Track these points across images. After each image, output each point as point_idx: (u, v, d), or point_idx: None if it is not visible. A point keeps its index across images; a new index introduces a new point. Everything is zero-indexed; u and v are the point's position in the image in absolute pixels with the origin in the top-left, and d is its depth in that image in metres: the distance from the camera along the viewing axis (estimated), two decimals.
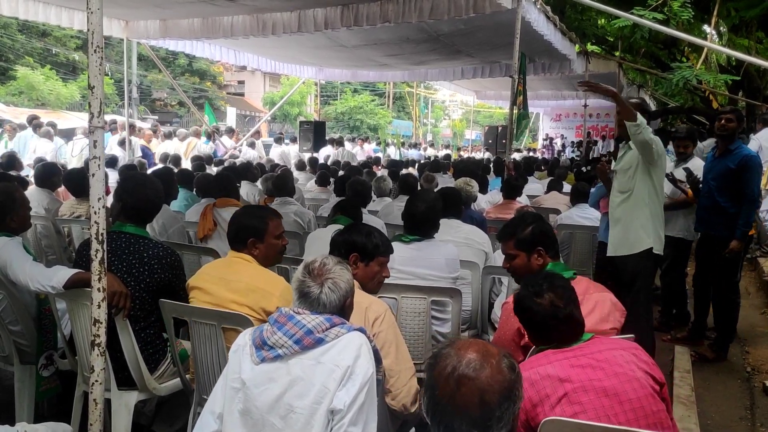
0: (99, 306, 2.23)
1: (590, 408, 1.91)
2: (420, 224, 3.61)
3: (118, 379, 2.95)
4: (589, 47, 14.27)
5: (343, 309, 2.05)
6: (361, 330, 2.01)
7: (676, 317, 5.66)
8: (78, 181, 5.24)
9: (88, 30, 2.05)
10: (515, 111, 7.61)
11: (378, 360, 2.01)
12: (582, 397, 1.93)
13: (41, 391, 3.25)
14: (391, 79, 17.23)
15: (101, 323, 2.24)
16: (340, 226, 3.16)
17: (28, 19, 8.25)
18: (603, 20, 13.64)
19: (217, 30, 9.18)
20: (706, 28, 11.70)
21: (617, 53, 13.67)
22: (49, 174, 5.76)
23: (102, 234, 2.18)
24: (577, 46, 10.81)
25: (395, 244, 3.52)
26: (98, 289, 2.23)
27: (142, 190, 3.10)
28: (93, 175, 2.11)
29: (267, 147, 16.12)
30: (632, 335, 2.53)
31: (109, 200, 3.81)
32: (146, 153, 11.86)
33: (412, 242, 3.56)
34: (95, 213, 2.15)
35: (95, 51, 2.04)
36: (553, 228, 3.00)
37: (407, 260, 3.49)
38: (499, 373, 1.46)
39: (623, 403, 1.93)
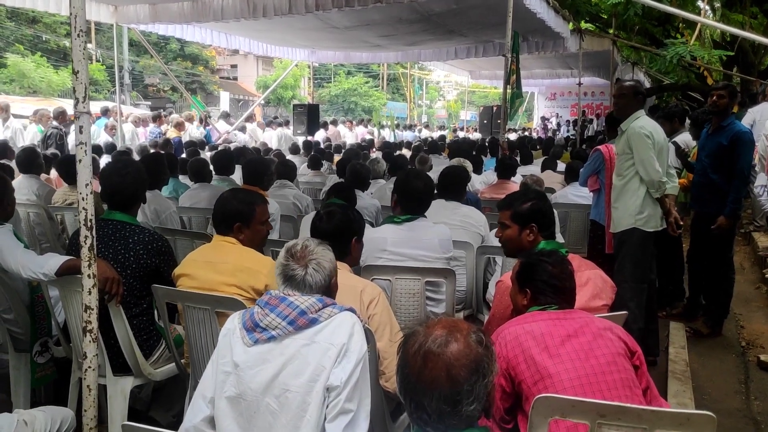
0: (90, 292, 2.22)
1: (567, 359, 2.01)
2: (419, 202, 3.56)
3: (113, 365, 2.96)
4: (583, 25, 14.18)
5: (328, 288, 2.06)
6: (352, 310, 2.02)
7: (672, 293, 5.68)
8: (71, 168, 5.19)
9: (71, 14, 2.01)
10: (509, 90, 7.57)
11: (368, 339, 2.02)
12: (560, 349, 2.03)
13: (37, 378, 3.25)
14: (385, 60, 17.15)
15: (92, 309, 2.23)
16: None
17: (15, 6, 8.16)
18: None
19: (208, 13, 9.09)
20: (699, 3, 11.64)
21: (611, 30, 13.57)
22: (32, 159, 5.72)
23: (90, 220, 2.17)
24: (570, 24, 10.73)
25: (387, 227, 3.56)
26: (89, 276, 2.22)
27: (119, 178, 3.08)
28: (80, 161, 2.09)
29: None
30: (624, 312, 2.55)
31: None
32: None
33: (404, 223, 3.52)
34: (83, 199, 2.13)
35: (78, 35, 2.01)
36: (552, 209, 3.00)
37: (400, 242, 3.47)
38: (467, 347, 1.48)
39: (598, 357, 2.03)
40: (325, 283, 2.02)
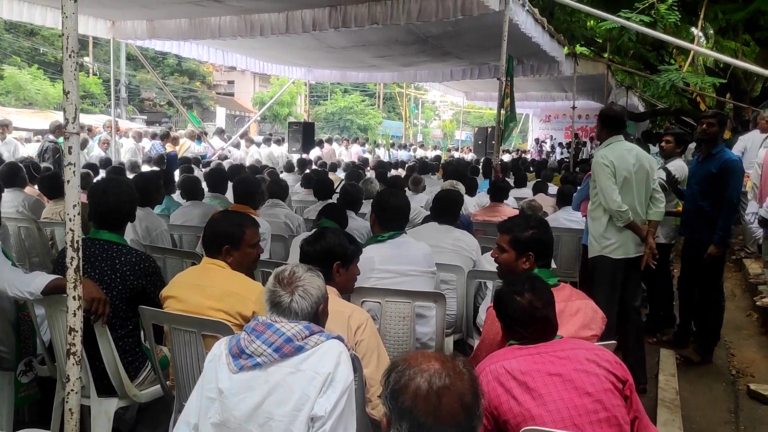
0: (74, 314, 2.20)
1: (550, 400, 1.98)
2: (396, 218, 3.66)
3: (98, 386, 2.92)
4: (579, 49, 14.32)
5: (316, 316, 2.04)
6: (339, 338, 2.00)
7: (663, 320, 5.67)
8: (48, 183, 5.22)
9: (63, 34, 2.01)
10: (503, 113, 7.61)
11: (355, 369, 2.00)
12: (542, 390, 1.99)
13: (20, 398, 3.20)
14: (381, 80, 17.24)
15: (77, 332, 2.20)
16: None
17: (12, 19, 8.18)
18: (592, 22, 13.68)
19: (205, 31, 9.14)
20: (693, 30, 11.76)
21: (606, 55, 13.70)
22: (14, 172, 5.72)
23: (77, 241, 2.15)
24: (566, 48, 10.83)
25: (372, 246, 3.59)
26: (74, 297, 2.19)
27: (106, 197, 3.06)
28: (68, 181, 2.08)
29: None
30: (614, 341, 2.54)
31: None
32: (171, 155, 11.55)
33: (388, 240, 3.58)
34: (70, 220, 2.11)
35: (70, 56, 2.00)
36: (553, 240, 2.99)
37: (387, 259, 3.51)
38: (465, 373, 1.50)
39: (582, 396, 1.99)
40: (312, 310, 2.01)
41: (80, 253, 2.18)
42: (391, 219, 3.65)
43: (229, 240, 2.83)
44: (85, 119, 18.92)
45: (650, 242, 4.17)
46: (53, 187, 5.51)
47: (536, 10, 8.28)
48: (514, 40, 7.55)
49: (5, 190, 5.64)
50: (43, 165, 8.07)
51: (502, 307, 2.22)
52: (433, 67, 13.24)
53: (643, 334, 4.52)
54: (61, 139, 10.32)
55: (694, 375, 4.75)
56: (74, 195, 2.08)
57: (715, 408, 4.26)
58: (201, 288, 2.74)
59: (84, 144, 11.17)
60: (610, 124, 4.30)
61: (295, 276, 2.02)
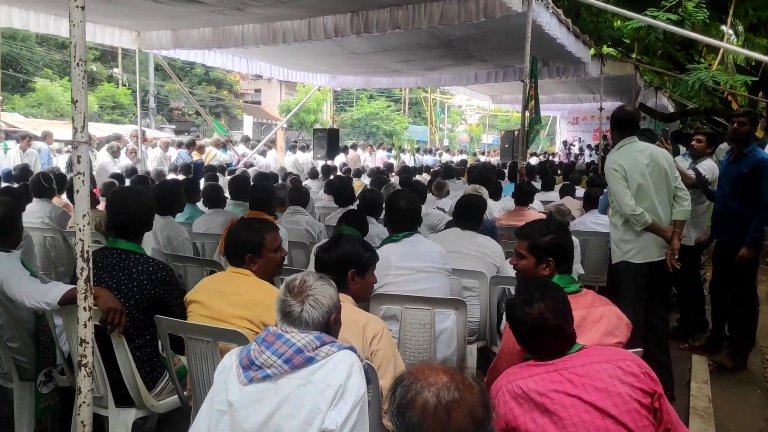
0: (85, 325, 2.18)
1: (569, 423, 1.88)
2: (405, 218, 3.70)
3: (116, 396, 2.91)
4: (605, 50, 14.08)
5: (328, 326, 1.98)
6: (352, 349, 1.94)
7: (694, 325, 5.51)
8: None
9: (71, 43, 2.00)
10: (527, 115, 7.50)
11: (368, 380, 1.94)
12: (561, 413, 1.90)
13: (41, 408, 3.20)
14: (404, 85, 17.19)
15: (88, 343, 2.18)
16: None
17: (39, 31, 8.30)
18: (619, 22, 13.46)
19: (228, 39, 9.19)
20: (723, 27, 11.48)
21: (634, 55, 13.46)
22: (43, 183, 5.79)
23: (87, 251, 2.13)
24: (592, 49, 10.66)
25: (387, 246, 3.61)
26: (84, 308, 2.17)
27: (125, 205, 3.06)
28: (77, 191, 2.06)
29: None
30: (640, 349, 2.44)
31: None
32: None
33: (403, 239, 3.62)
34: (80, 230, 2.09)
35: (78, 64, 1.99)
36: (573, 244, 2.90)
37: (402, 256, 3.53)
38: (475, 386, 1.43)
39: (604, 418, 1.89)
40: (323, 319, 1.96)
41: (90, 264, 2.16)
42: (402, 221, 3.70)
43: (251, 248, 2.82)
44: (114, 129, 19.26)
45: (674, 243, 4.03)
46: None
47: (560, 11, 8.16)
48: (538, 41, 7.44)
49: (34, 200, 5.75)
50: (70, 175, 8.18)
51: (511, 318, 2.13)
52: (457, 71, 13.14)
53: (667, 339, 4.37)
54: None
55: (728, 382, 4.60)
56: (84, 205, 2.07)
57: (750, 416, 4.11)
58: (225, 295, 2.73)
59: (116, 153, 11.33)
60: (622, 126, 4.20)
61: (306, 285, 1.98)
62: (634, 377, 1.98)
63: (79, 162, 2.06)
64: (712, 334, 5.19)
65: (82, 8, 2.00)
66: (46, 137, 12.20)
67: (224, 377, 1.94)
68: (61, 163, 12.08)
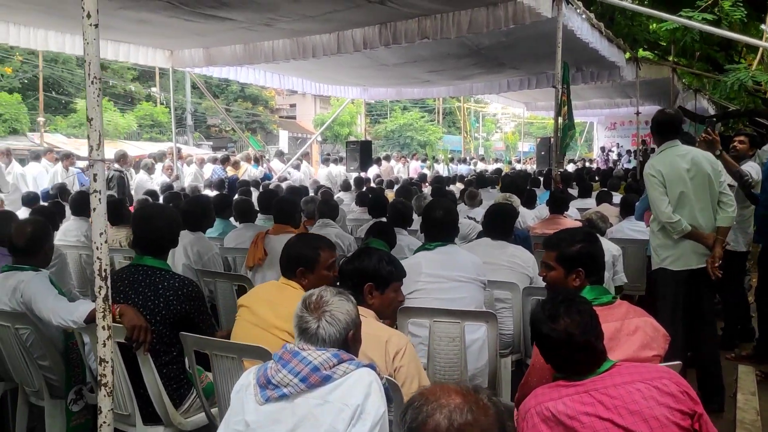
0: (104, 344, 2.16)
1: None
2: (440, 229, 3.63)
3: (143, 414, 2.89)
4: (641, 53, 13.82)
5: (346, 342, 1.92)
6: (371, 366, 1.88)
7: (740, 333, 5.30)
8: (111, 210, 5.30)
9: (86, 61, 2.00)
10: (560, 122, 7.38)
11: (389, 399, 1.87)
12: None
13: (72, 426, 3.21)
14: (436, 95, 17.17)
15: (107, 362, 2.16)
16: None
17: (75, 53, 8.50)
18: (654, 25, 13.20)
19: (259, 55, 9.29)
20: (763, 26, 11.16)
21: (671, 58, 13.17)
22: (83, 202, 5.86)
23: (105, 270, 2.12)
24: (627, 53, 10.46)
25: (420, 253, 3.59)
26: (103, 327, 2.16)
27: (150, 222, 3.07)
28: (94, 209, 2.05)
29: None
30: (679, 362, 2.32)
31: None
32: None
33: (436, 248, 3.55)
34: (97, 248, 2.08)
35: (92, 82, 1.99)
36: (603, 252, 2.79)
37: (434, 264, 3.47)
38: (489, 407, 1.36)
39: None
40: (341, 336, 1.89)
41: (108, 282, 2.15)
42: (437, 231, 3.63)
43: (304, 262, 2.81)
44: (152, 147, 19.64)
45: (716, 251, 3.87)
46: (114, 214, 5.62)
47: (592, 15, 8.02)
48: (570, 47, 7.32)
49: (71, 218, 5.85)
50: (108, 193, 8.32)
51: (536, 335, 2.04)
52: (489, 79, 13.05)
53: (716, 349, 4.20)
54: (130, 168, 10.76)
55: None
56: (101, 223, 2.06)
57: None
58: (273, 305, 2.72)
59: (150, 170, 11.51)
60: (662, 129, 4.06)
61: (323, 300, 1.92)
62: (672, 398, 1.87)
63: (95, 180, 2.05)
64: (759, 343, 4.97)
65: (96, 26, 1.99)
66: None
67: (241, 396, 1.89)
68: None
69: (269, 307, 2.71)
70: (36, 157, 11.39)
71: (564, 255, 2.62)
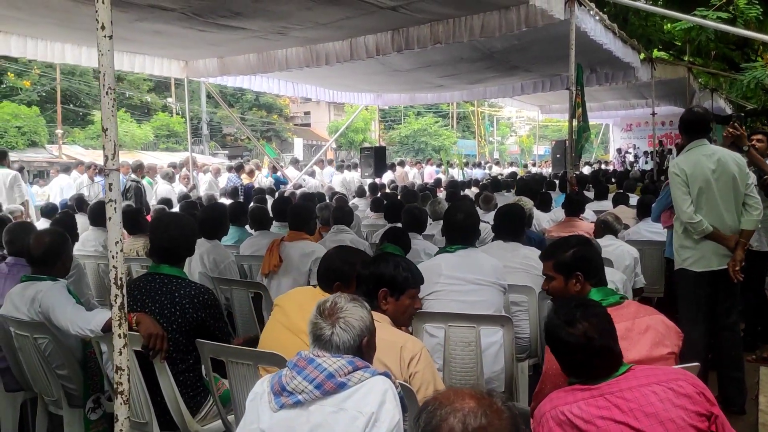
0: (120, 353, 2.17)
1: None
2: (461, 232, 3.65)
3: (160, 422, 2.91)
4: (656, 53, 13.73)
5: (360, 349, 1.91)
6: (386, 374, 1.87)
7: (762, 335, 5.22)
8: (128, 219, 5.35)
9: (101, 72, 2.02)
10: (575, 124, 7.34)
11: (404, 408, 1.86)
12: None
13: None
14: (450, 100, 17.15)
15: (123, 370, 2.17)
16: None
17: (91, 65, 8.60)
18: (668, 25, 13.12)
19: (273, 64, 9.34)
20: None
21: (686, 57, 13.08)
22: (102, 212, 5.91)
23: (121, 278, 2.13)
24: (641, 53, 10.39)
25: (440, 255, 3.61)
26: (119, 336, 2.17)
27: (166, 231, 3.09)
28: (110, 218, 2.07)
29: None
30: (696, 364, 2.29)
31: None
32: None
33: (457, 251, 3.57)
34: (113, 257, 2.10)
35: (107, 93, 2.01)
36: (600, 254, 2.79)
37: (454, 266, 3.49)
38: (503, 411, 1.34)
39: None
40: (355, 343, 1.89)
41: (124, 290, 2.16)
42: (458, 235, 3.65)
43: (341, 277, 2.77)
44: (169, 157, 19.81)
45: (737, 254, 3.81)
46: (131, 223, 5.67)
47: (605, 16, 7.98)
48: (584, 48, 7.29)
49: (90, 228, 5.90)
50: (125, 203, 8.40)
51: (554, 343, 2.01)
52: (502, 83, 13.02)
53: (740, 352, 4.14)
54: (148, 179, 10.85)
55: None
56: (116, 232, 2.08)
57: None
58: (305, 312, 2.70)
59: (171, 178, 11.59)
60: (689, 128, 4.01)
61: (337, 307, 1.92)
62: (688, 399, 1.84)
63: (110, 189, 2.07)
64: None
65: (110, 37, 2.01)
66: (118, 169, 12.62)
67: (256, 405, 1.89)
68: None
69: (300, 312, 2.67)
70: (66, 169, 11.62)
71: (560, 262, 2.65)
